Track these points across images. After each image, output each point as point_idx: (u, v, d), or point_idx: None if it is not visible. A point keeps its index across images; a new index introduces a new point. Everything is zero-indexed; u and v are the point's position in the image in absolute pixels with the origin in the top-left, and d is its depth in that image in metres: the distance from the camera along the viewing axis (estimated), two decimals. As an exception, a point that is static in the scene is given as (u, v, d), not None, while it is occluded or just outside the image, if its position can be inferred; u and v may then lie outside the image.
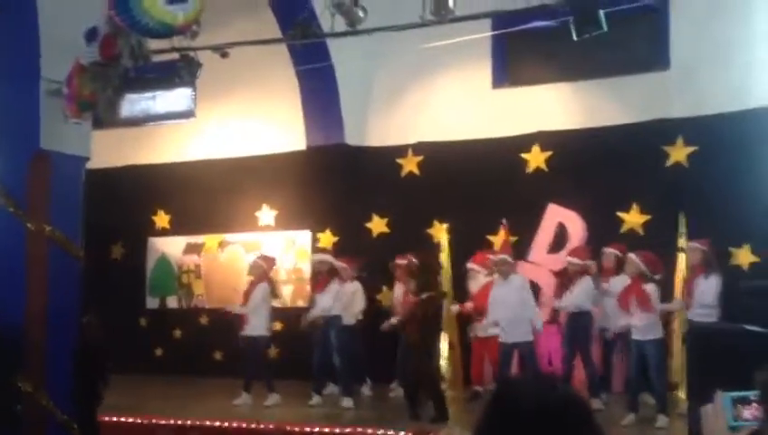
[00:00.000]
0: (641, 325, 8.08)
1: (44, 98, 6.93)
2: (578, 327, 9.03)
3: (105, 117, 6.89)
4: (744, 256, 9.64)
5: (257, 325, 9.69)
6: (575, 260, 9.19)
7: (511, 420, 1.55)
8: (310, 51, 10.67)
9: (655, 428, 7.80)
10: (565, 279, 9.22)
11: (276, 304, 11.99)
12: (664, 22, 10.46)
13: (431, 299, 8.50)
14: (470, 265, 9.88)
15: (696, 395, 6.16)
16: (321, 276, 9.93)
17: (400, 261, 10.06)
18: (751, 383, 4.82)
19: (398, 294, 10.11)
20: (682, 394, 8.53)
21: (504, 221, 10.27)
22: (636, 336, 8.12)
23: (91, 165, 7.94)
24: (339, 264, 10.05)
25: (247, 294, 9.83)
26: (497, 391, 1.65)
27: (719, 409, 1.81)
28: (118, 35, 5.83)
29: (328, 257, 10.15)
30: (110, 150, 12.32)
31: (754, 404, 1.84)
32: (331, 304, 9.64)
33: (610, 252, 9.36)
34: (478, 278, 9.72)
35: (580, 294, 8.99)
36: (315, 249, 11.51)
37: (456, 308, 9.90)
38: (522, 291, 8.93)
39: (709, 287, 8.23)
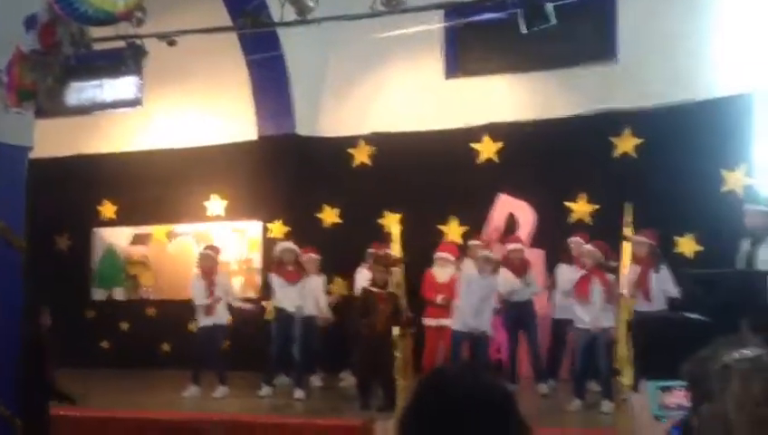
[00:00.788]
0: (595, 315, 8.19)
1: (-16, 87, 6.74)
2: (523, 315, 9.13)
3: (47, 106, 6.72)
4: (689, 245, 9.86)
5: (222, 315, 9.63)
6: (518, 247, 9.30)
7: (436, 408, 1.56)
8: (260, 40, 10.57)
9: (599, 412, 7.95)
10: (514, 268, 9.26)
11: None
12: (611, 14, 10.61)
13: (394, 297, 8.60)
14: (441, 253, 9.79)
15: (638, 382, 6.27)
16: (290, 267, 9.61)
17: (377, 250, 9.99)
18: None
19: (362, 282, 10.01)
20: (626, 380, 8.68)
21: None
22: (586, 326, 8.23)
23: (36, 154, 7.75)
24: (311, 255, 9.96)
25: (211, 285, 9.62)
26: (424, 379, 1.65)
27: (645, 397, 1.85)
28: (57, 23, 5.69)
29: (295, 247, 9.88)
30: (56, 139, 12.07)
31: (679, 393, 1.88)
32: (301, 297, 9.52)
33: (576, 241, 9.39)
34: (447, 268, 9.65)
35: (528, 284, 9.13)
36: (273, 239, 11.42)
37: (441, 300, 9.66)
38: (494, 289, 8.97)
39: (665, 279, 8.34)
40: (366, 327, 8.56)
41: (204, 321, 9.61)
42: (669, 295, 8.27)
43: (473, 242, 9.46)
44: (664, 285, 8.31)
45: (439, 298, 9.45)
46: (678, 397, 1.86)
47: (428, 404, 1.58)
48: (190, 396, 9.38)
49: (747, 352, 1.69)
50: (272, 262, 9.88)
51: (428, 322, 9.57)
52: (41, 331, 7.35)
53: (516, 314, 9.22)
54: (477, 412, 1.53)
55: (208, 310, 9.56)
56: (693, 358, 1.76)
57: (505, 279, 9.15)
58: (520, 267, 9.24)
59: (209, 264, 9.84)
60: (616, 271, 8.35)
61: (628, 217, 9.39)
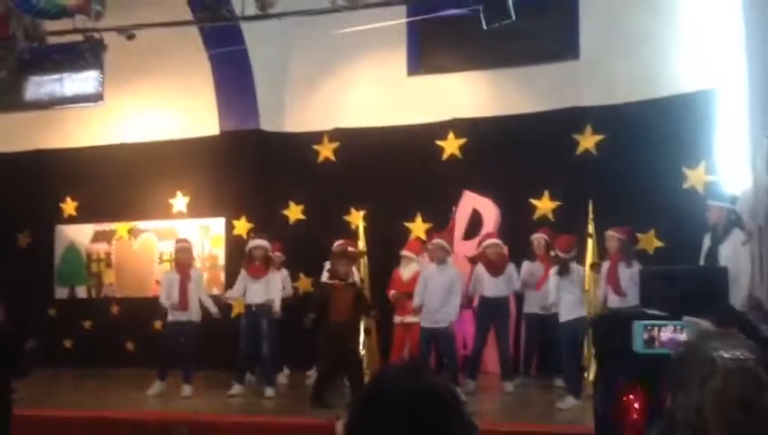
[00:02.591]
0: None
1: (-63, 80, 6.61)
2: (497, 312, 9.15)
3: (2, 99, 6.61)
4: (650, 242, 9.96)
5: (194, 310, 9.46)
6: (495, 242, 9.31)
7: (381, 411, 1.55)
8: (222, 34, 10.51)
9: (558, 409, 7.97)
10: (490, 264, 9.26)
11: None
12: (574, 12, 10.67)
13: (355, 286, 8.60)
14: (404, 252, 9.80)
15: (597, 378, 6.31)
16: (257, 262, 9.45)
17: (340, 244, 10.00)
18: (652, 370, 4.93)
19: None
20: (591, 377, 8.76)
21: (453, 209, 10.30)
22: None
23: (-6, 150, 7.63)
24: (277, 254, 9.92)
25: (185, 279, 9.42)
26: (370, 382, 1.64)
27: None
28: (10, 15, 5.59)
29: (266, 243, 9.70)
30: (15, 134, 11.90)
31: (666, 329, 1.90)
32: (266, 293, 9.40)
33: (540, 237, 9.42)
34: (411, 266, 9.66)
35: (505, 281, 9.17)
36: (238, 236, 11.35)
37: (393, 294, 9.72)
38: (454, 278, 8.98)
39: (634, 275, 8.30)
40: (319, 321, 8.54)
41: (175, 316, 9.39)
42: (632, 290, 8.27)
43: (433, 241, 9.39)
44: (636, 279, 8.37)
45: (392, 293, 9.50)
46: (668, 333, 1.89)
47: (370, 407, 1.58)
48: (154, 394, 9.25)
49: (736, 353, 1.67)
50: (242, 258, 9.74)
51: (396, 319, 9.60)
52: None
53: (490, 310, 9.19)
54: (418, 413, 1.53)
55: (181, 305, 9.37)
56: (683, 342, 1.74)
57: (479, 275, 9.20)
58: (498, 263, 9.21)
59: (186, 256, 9.68)
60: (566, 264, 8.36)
61: (591, 214, 9.52)
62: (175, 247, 9.99)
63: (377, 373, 1.69)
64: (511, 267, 9.26)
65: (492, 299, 9.16)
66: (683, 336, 1.90)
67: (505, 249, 9.42)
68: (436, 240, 9.20)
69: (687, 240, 9.19)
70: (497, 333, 9.18)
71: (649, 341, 1.89)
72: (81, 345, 12.21)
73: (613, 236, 8.62)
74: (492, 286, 9.16)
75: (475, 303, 9.57)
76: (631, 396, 5.59)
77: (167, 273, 9.92)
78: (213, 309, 9.66)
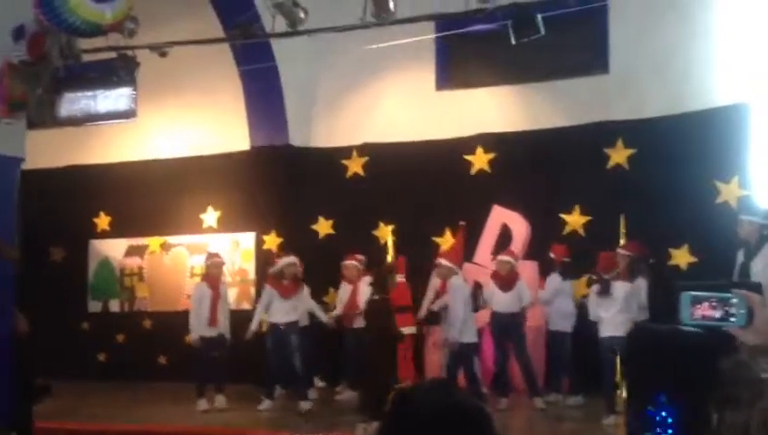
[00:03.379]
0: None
1: (-26, 97, 6.74)
2: (509, 327, 9.12)
3: (37, 117, 6.73)
4: (683, 257, 9.84)
5: (224, 324, 9.55)
6: (507, 259, 9.32)
7: (409, 428, 1.55)
8: (253, 51, 10.61)
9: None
10: (500, 279, 9.27)
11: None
12: (603, 26, 10.62)
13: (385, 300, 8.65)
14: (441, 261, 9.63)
15: (632, 395, 6.25)
16: (287, 281, 9.48)
17: (350, 262, 10.04)
18: (687, 382, 4.84)
19: (344, 294, 10.07)
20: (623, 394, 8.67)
21: (462, 223, 10.29)
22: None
23: (29, 165, 7.76)
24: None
25: (216, 295, 9.50)
26: (397, 397, 1.65)
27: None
28: (46, 34, 5.70)
29: (297, 261, 9.76)
30: (50, 151, 12.09)
31: (707, 304, 1.88)
32: (294, 311, 9.50)
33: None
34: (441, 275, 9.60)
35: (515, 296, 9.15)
36: (267, 250, 11.42)
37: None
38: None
39: (636, 292, 8.41)
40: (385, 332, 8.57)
41: (206, 331, 9.43)
42: (641, 306, 8.39)
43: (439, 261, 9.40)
44: (636, 296, 8.37)
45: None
46: (705, 309, 1.87)
47: (400, 423, 1.58)
48: (203, 410, 9.23)
49: None
50: (269, 274, 9.74)
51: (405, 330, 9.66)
52: (18, 337, 7.23)
53: (501, 326, 9.16)
54: (449, 430, 1.54)
55: (211, 322, 9.42)
56: (730, 358, 1.72)
57: (486, 291, 9.26)
58: (508, 279, 9.21)
59: (218, 272, 9.77)
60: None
61: (622, 229, 9.43)
62: (206, 262, 10.03)
63: (403, 391, 1.70)
64: (521, 283, 9.24)
65: (503, 314, 9.16)
66: (732, 310, 1.86)
67: (517, 265, 9.40)
68: (443, 261, 9.21)
69: (721, 255, 9.07)
70: (514, 348, 9.14)
71: (696, 313, 1.86)
72: (114, 359, 12.33)
73: (622, 254, 8.60)
74: (502, 301, 9.16)
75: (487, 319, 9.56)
76: (664, 413, 5.54)
77: (197, 285, 9.96)
78: (324, 318, 9.92)
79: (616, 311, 8.18)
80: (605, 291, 8.22)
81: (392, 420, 1.60)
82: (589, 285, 9.02)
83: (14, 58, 6.22)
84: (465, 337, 8.78)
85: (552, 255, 8.95)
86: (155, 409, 9.59)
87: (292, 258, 9.69)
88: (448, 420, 1.54)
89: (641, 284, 8.50)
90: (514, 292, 9.14)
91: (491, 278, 9.35)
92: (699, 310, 1.85)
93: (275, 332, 9.41)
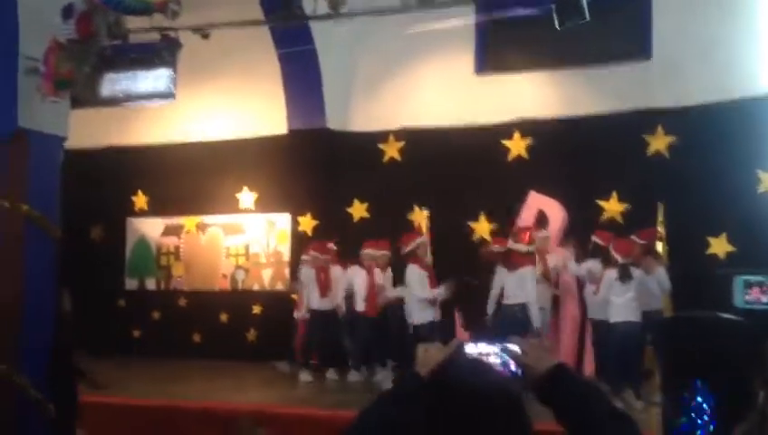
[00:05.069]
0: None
1: (22, 76, 6.84)
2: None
3: (82, 95, 6.82)
4: (721, 246, 9.73)
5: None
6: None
7: (443, 406, 1.57)
8: (292, 34, 10.64)
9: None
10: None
11: (257, 286, 12.08)
12: (646, 12, 10.48)
13: None
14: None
15: (667, 381, 6.21)
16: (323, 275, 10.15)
17: (371, 250, 10.02)
18: (726, 367, 4.83)
19: (360, 282, 10.01)
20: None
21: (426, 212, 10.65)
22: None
23: (70, 145, 7.86)
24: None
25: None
26: (436, 373, 1.67)
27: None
28: (94, 12, 5.77)
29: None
30: (90, 130, 12.23)
31: (758, 288, 1.92)
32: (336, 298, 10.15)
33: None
34: None
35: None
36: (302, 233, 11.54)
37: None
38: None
39: (651, 279, 8.54)
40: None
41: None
42: (656, 293, 8.57)
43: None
44: (649, 283, 8.51)
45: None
46: (756, 293, 1.90)
47: (436, 403, 1.60)
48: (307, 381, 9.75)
49: None
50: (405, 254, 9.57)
51: None
52: (61, 315, 7.38)
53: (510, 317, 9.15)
54: (483, 411, 1.55)
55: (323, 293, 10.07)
56: None
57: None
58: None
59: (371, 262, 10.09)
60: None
61: (661, 217, 9.36)
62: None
63: (440, 367, 1.72)
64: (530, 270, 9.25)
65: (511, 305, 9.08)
66: None
67: (559, 251, 9.48)
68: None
69: (760, 245, 8.99)
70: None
71: (750, 296, 1.88)
72: (150, 336, 12.52)
73: (635, 241, 8.74)
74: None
75: None
76: (701, 400, 5.50)
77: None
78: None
79: (630, 297, 8.23)
80: (626, 276, 8.31)
81: (431, 393, 1.61)
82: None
83: (61, 36, 6.31)
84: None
85: (619, 257, 8.54)
86: (188, 385, 9.72)
87: (424, 238, 9.99)
88: (481, 398, 1.56)
89: (661, 272, 8.60)
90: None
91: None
92: (752, 294, 1.85)
93: (315, 316, 9.97)
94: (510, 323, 8.46)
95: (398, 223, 10.80)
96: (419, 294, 9.15)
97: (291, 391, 9.26)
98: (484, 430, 1.52)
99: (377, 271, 9.93)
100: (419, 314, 9.15)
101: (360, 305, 9.93)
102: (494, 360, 1.80)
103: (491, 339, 1.85)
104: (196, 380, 10.04)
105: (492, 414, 1.54)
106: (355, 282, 10.00)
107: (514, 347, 1.81)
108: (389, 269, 10.11)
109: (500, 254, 9.07)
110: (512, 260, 8.80)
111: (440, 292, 9.25)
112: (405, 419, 1.61)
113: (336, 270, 10.21)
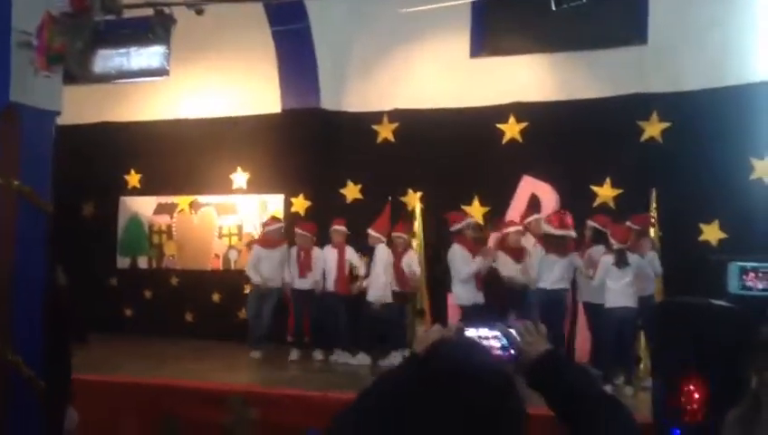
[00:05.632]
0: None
1: (14, 50, 6.76)
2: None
3: (75, 71, 6.75)
4: (713, 232, 9.76)
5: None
6: (516, 229, 9.47)
7: (426, 380, 1.53)
8: (287, 11, 10.56)
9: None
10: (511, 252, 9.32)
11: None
12: (643, -4, 10.45)
13: None
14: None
15: (658, 367, 6.23)
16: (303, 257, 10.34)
17: (338, 226, 10.17)
18: (718, 353, 4.85)
19: (331, 259, 10.17)
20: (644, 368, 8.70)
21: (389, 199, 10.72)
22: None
23: (62, 121, 7.80)
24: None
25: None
26: (426, 352, 1.66)
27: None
28: (88, -14, 5.70)
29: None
30: (83, 107, 12.13)
31: (753, 274, 1.95)
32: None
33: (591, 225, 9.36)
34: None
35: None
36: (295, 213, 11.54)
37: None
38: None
39: (644, 264, 8.60)
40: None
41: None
42: (649, 278, 8.70)
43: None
44: (645, 268, 8.60)
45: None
46: (752, 279, 1.93)
47: (414, 382, 1.54)
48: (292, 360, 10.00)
49: None
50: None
51: None
52: (56, 290, 7.34)
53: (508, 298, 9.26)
54: (469, 390, 1.49)
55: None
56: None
57: (504, 264, 9.27)
58: (517, 252, 9.28)
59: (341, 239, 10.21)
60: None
61: (654, 203, 9.37)
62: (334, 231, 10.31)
63: (433, 345, 1.70)
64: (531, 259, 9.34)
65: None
66: None
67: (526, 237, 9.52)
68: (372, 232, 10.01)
69: (752, 232, 9.02)
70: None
71: (744, 282, 1.91)
72: (141, 314, 12.51)
73: (630, 226, 8.79)
74: (515, 272, 9.28)
75: None
76: (691, 386, 5.53)
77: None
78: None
79: (627, 282, 8.26)
80: (622, 262, 8.36)
81: (414, 370, 1.58)
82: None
83: (55, 10, 6.24)
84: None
85: (615, 243, 8.59)
86: (179, 364, 9.72)
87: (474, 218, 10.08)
88: (468, 377, 1.50)
89: (652, 256, 8.71)
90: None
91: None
92: (747, 280, 1.87)
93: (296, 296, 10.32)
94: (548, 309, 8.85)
95: (391, 205, 10.77)
96: (462, 272, 9.13)
97: (281, 372, 9.27)
98: (471, 409, 1.47)
99: (380, 248, 9.99)
100: (465, 296, 9.20)
101: (330, 284, 10.09)
102: (494, 343, 1.81)
103: (491, 323, 1.86)
104: (187, 359, 10.04)
105: (479, 393, 1.48)
106: (327, 259, 10.12)
107: (512, 331, 1.82)
108: (411, 252, 10.15)
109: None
110: (563, 247, 9.01)
111: (480, 261, 9.27)
112: (398, 398, 1.59)
113: (316, 250, 10.28)
